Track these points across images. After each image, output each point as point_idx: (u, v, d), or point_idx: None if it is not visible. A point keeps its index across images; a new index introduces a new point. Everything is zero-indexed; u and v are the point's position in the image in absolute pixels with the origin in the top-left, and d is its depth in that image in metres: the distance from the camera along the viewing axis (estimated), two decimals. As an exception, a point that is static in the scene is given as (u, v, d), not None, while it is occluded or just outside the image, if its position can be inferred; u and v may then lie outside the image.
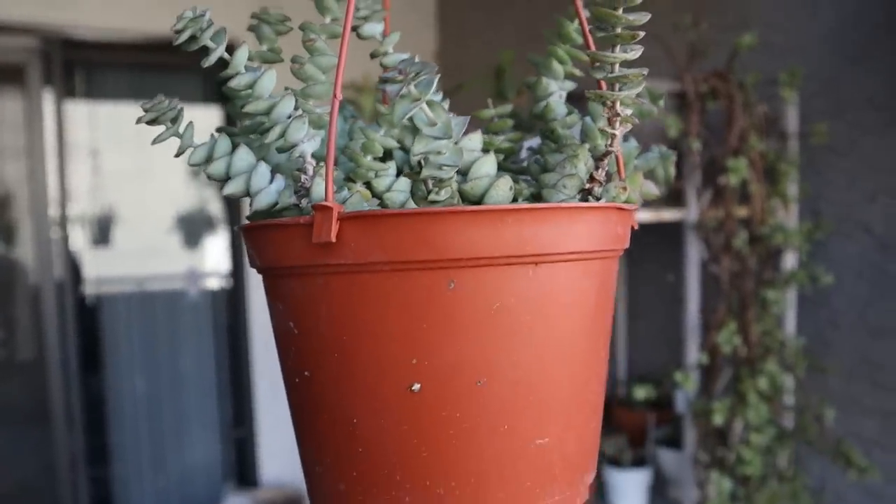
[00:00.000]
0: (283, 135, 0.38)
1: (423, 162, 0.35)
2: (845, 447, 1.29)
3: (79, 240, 2.60)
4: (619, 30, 0.38)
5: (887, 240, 1.44)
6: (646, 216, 1.37)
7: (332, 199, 0.34)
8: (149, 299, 2.81)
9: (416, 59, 0.36)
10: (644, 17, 0.38)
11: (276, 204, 0.38)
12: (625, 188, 0.40)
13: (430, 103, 0.35)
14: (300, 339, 0.38)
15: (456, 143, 0.37)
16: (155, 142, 0.39)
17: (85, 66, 2.55)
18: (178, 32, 0.36)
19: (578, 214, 0.36)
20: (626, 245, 0.42)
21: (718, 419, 1.28)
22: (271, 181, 0.38)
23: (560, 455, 0.38)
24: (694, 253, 1.40)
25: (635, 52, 0.39)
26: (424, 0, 2.80)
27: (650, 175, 0.50)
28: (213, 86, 2.72)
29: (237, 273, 2.73)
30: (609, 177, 0.42)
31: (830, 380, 1.54)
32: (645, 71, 0.39)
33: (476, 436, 0.36)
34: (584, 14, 0.43)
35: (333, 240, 0.34)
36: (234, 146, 0.39)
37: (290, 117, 0.38)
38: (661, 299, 1.92)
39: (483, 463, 0.36)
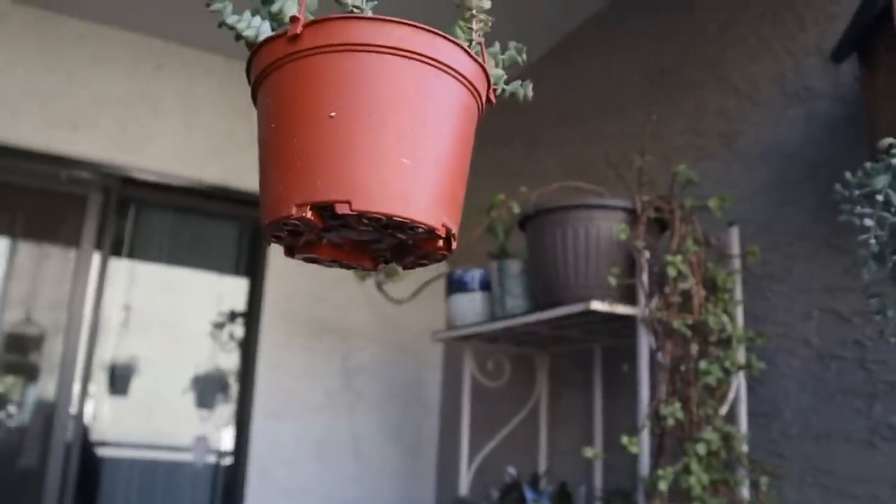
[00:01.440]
0: (281, 9, 0.68)
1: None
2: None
3: (95, 395, 2.80)
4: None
5: (822, 351, 1.62)
6: (602, 307, 1.60)
7: (302, 15, 0.63)
8: (151, 466, 2.92)
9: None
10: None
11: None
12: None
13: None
14: (272, 107, 0.64)
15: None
16: (208, 6, 0.68)
17: (138, 202, 2.96)
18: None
19: (440, 39, 0.63)
20: (483, 98, 0.69)
21: (663, 486, 1.38)
22: (272, 30, 0.68)
23: (419, 179, 0.61)
24: (644, 344, 1.59)
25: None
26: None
27: (514, 96, 0.77)
28: (248, 233, 3.10)
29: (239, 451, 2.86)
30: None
31: (785, 490, 1.62)
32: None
33: (366, 144, 0.60)
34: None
35: (299, 32, 0.62)
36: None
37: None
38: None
39: (369, 159, 0.60)
